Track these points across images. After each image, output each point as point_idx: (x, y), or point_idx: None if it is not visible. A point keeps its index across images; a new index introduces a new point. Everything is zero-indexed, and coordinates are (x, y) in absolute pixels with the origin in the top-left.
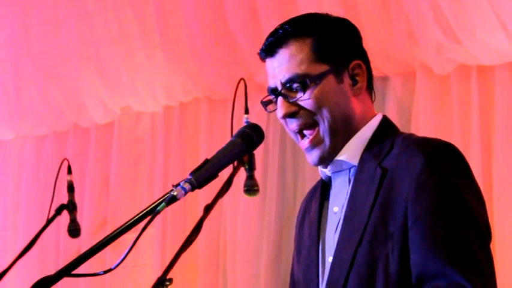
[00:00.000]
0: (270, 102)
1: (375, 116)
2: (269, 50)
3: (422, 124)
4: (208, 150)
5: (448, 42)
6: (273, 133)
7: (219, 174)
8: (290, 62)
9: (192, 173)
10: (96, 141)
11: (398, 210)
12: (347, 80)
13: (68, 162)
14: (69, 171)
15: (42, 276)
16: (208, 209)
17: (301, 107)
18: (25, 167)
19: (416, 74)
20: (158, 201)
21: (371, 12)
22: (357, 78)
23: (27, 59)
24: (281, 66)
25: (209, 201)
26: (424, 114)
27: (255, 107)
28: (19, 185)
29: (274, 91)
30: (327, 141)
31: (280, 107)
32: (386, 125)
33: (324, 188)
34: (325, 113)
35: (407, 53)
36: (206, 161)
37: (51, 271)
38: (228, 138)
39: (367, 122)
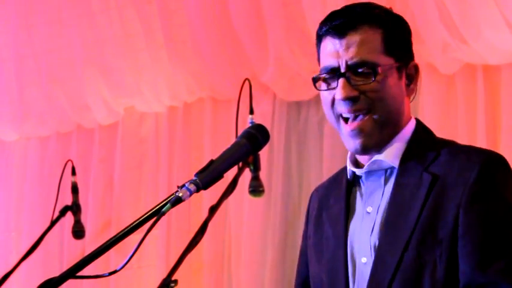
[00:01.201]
0: (318, 79)
1: (411, 118)
2: (340, 29)
3: (427, 124)
4: (212, 151)
5: (454, 42)
6: (278, 133)
7: (224, 175)
8: (361, 47)
9: (197, 174)
10: (100, 142)
11: (448, 217)
12: (404, 79)
13: (72, 163)
14: (73, 172)
15: (46, 278)
16: (213, 210)
17: (362, 92)
18: (28, 168)
19: (422, 74)
20: (163, 203)
21: None
22: (412, 79)
23: (31, 60)
24: (350, 49)
25: (214, 202)
26: (430, 114)
27: (260, 107)
28: (23, 186)
29: (335, 70)
30: (376, 131)
31: (342, 88)
32: (422, 128)
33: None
34: (384, 104)
35: None
36: (211, 162)
37: (55, 273)
38: (232, 139)
39: (406, 124)
